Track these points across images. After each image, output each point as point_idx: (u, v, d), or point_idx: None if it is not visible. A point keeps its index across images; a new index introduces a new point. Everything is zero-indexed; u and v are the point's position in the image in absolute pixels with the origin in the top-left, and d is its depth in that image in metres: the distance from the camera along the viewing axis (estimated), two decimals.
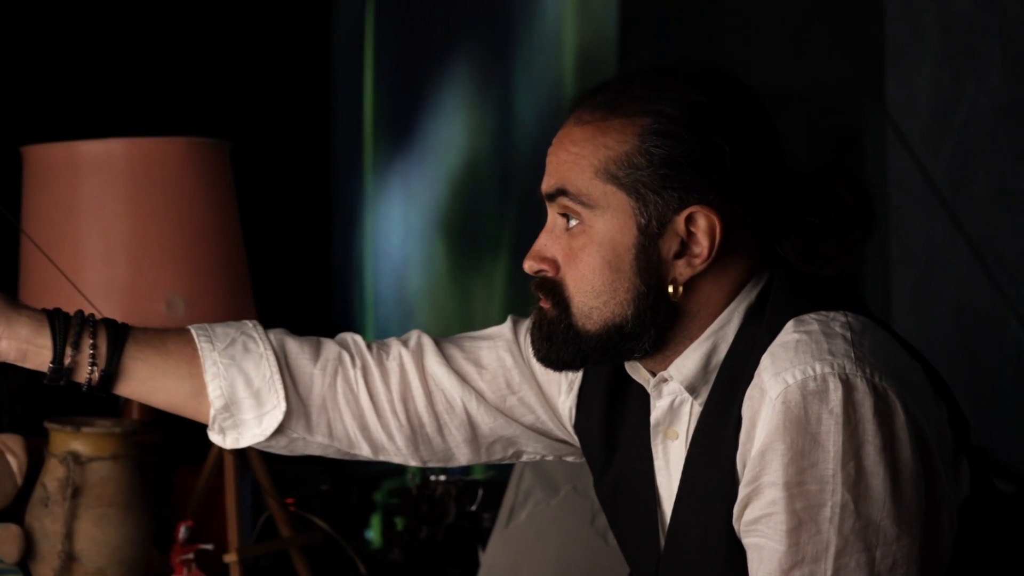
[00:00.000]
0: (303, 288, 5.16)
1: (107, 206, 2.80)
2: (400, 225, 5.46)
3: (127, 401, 2.96)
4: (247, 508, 2.87)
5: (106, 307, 2.69)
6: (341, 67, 5.65)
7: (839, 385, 1.65)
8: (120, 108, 4.38)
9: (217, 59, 4.79)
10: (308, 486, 3.08)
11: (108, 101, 4.38)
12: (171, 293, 2.80)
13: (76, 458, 2.56)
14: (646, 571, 1.89)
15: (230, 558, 2.69)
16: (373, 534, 3.52)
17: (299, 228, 5.17)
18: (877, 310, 1.84)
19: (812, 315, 1.72)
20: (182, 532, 2.65)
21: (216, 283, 2.85)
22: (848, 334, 1.69)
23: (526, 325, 2.00)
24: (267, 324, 2.94)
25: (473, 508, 3.06)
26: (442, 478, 3.10)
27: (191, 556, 2.66)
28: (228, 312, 2.86)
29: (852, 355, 1.67)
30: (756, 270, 1.79)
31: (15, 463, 2.62)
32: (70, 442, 2.58)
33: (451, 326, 4.87)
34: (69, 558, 2.55)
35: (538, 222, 1.85)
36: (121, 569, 2.58)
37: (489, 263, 4.83)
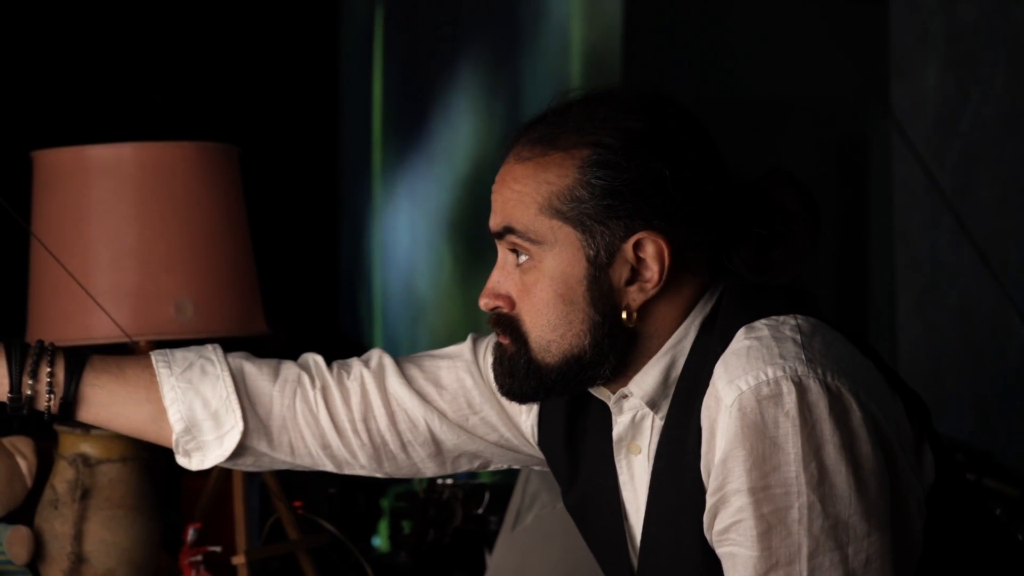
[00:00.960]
0: (310, 292, 5.17)
1: (116, 210, 2.81)
2: (409, 229, 5.47)
3: None
4: (255, 511, 2.87)
5: (115, 311, 2.71)
6: (349, 72, 5.66)
7: (792, 388, 1.67)
8: (129, 113, 4.39)
9: (226, 64, 4.80)
10: (316, 489, 3.09)
11: (118, 106, 4.40)
12: (180, 296, 2.81)
13: (85, 460, 2.57)
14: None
15: (238, 560, 2.70)
16: (380, 541, 3.53)
17: (306, 232, 5.18)
18: (883, 316, 1.85)
19: (762, 321, 1.74)
20: (191, 534, 2.67)
21: (225, 287, 2.86)
22: (798, 336, 1.71)
23: (485, 343, 2.01)
24: (276, 331, 2.95)
25: (480, 511, 3.07)
26: (449, 482, 3.11)
27: (200, 558, 2.67)
28: (237, 315, 2.87)
29: (803, 357, 1.69)
30: (708, 284, 1.81)
31: (25, 465, 2.63)
32: (79, 444, 2.59)
33: (459, 330, 4.88)
34: (78, 560, 2.56)
35: None
36: (130, 571, 2.59)
37: None
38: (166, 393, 1.96)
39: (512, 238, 1.80)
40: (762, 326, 1.73)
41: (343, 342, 5.04)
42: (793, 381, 1.67)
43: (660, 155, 1.76)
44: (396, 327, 5.38)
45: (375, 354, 2.03)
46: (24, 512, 2.64)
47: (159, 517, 2.65)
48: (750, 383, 1.68)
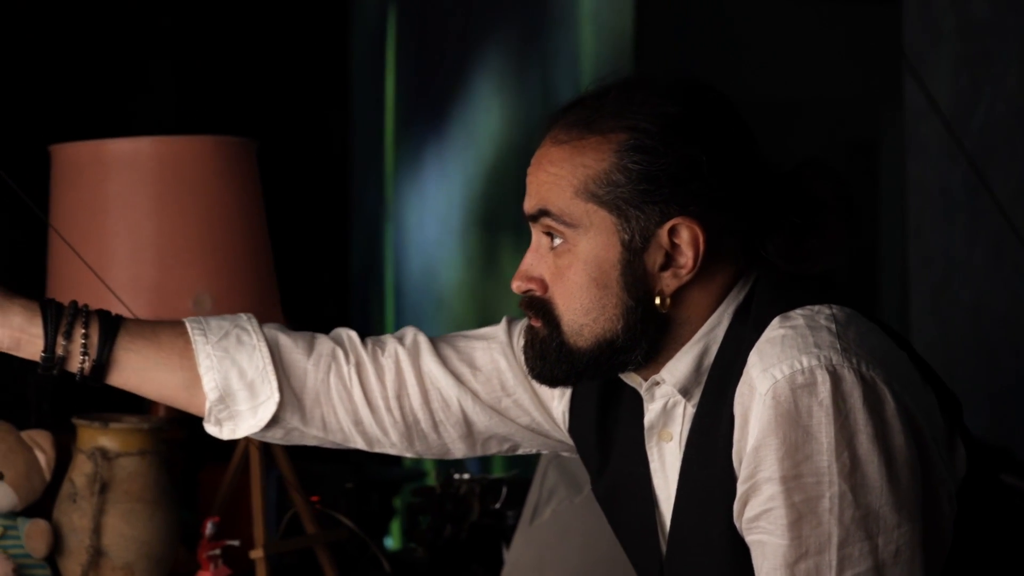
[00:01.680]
0: (321, 289, 5.17)
1: (134, 204, 2.81)
2: (426, 224, 5.45)
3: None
4: (273, 505, 2.87)
5: (134, 304, 2.71)
6: (359, 67, 5.65)
7: (827, 377, 1.67)
8: (147, 107, 4.40)
9: (241, 57, 4.80)
10: (333, 484, 3.08)
11: (136, 100, 4.40)
12: (198, 290, 2.82)
13: (104, 454, 2.57)
14: (650, 571, 1.90)
15: (256, 554, 2.69)
16: (392, 542, 3.53)
17: (317, 229, 5.18)
18: (896, 313, 1.86)
19: (797, 310, 1.74)
20: (209, 528, 2.66)
21: (242, 280, 2.87)
22: (833, 326, 1.71)
23: (520, 326, 2.01)
24: (291, 322, 2.95)
25: (497, 506, 3.07)
26: (466, 476, 3.11)
27: (218, 552, 2.67)
28: (254, 309, 2.86)
29: (838, 346, 1.68)
30: (742, 273, 1.81)
31: (43, 459, 2.63)
32: (98, 438, 2.59)
33: (480, 324, 4.87)
34: (97, 553, 2.56)
35: None
36: (148, 564, 2.59)
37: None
38: (201, 361, 1.95)
39: (547, 221, 1.80)
40: (797, 315, 1.73)
41: None
42: (828, 370, 1.67)
43: (697, 141, 1.76)
44: (414, 324, 5.37)
45: (409, 331, 2.03)
46: (42, 506, 2.64)
47: (177, 511, 2.65)
48: (784, 372, 1.68)
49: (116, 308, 2.68)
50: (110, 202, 2.82)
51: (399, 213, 5.58)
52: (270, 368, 1.96)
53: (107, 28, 4.44)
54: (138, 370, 1.95)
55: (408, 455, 2.04)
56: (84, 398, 2.62)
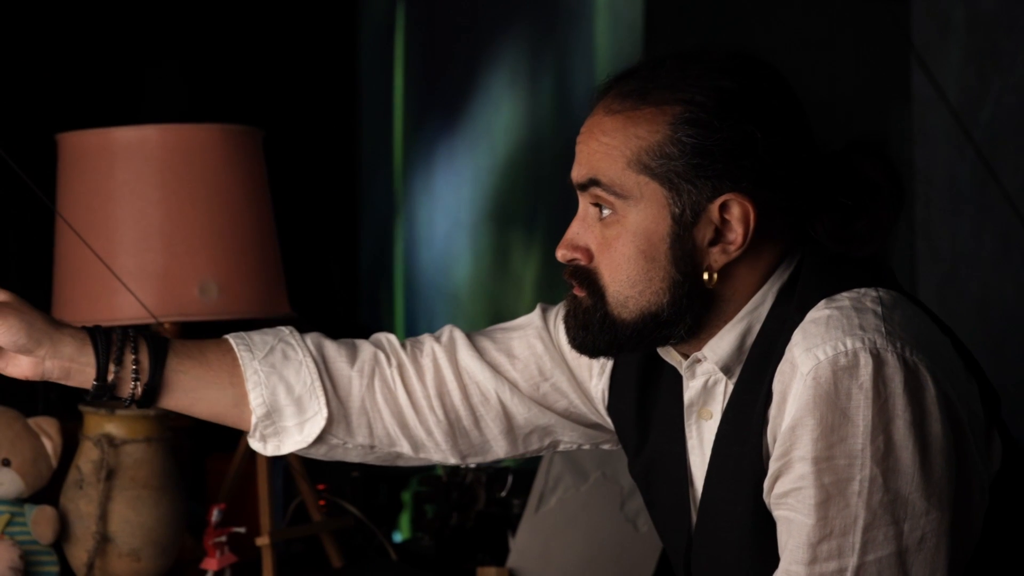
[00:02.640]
0: (331, 275, 5.16)
1: (141, 192, 2.82)
2: (441, 218, 5.44)
3: None
4: (279, 492, 2.88)
5: (140, 291, 2.71)
6: (368, 58, 5.64)
7: (870, 360, 1.66)
8: (154, 95, 4.40)
9: (248, 46, 4.80)
10: (339, 472, 3.08)
11: (142, 88, 4.41)
12: (204, 278, 2.82)
13: (110, 440, 2.58)
14: (678, 547, 1.91)
15: (262, 541, 2.70)
16: (400, 536, 3.53)
17: (325, 215, 5.18)
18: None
19: (844, 292, 1.73)
20: (215, 515, 2.67)
21: (249, 268, 2.87)
22: (879, 309, 1.70)
23: (555, 311, 2.01)
24: (298, 315, 2.95)
25: (503, 494, 3.07)
26: (471, 465, 3.11)
27: (224, 539, 2.68)
28: (261, 297, 2.88)
29: (883, 330, 1.67)
30: (788, 252, 1.80)
31: (50, 445, 2.64)
32: (104, 425, 2.59)
33: (497, 313, 4.85)
34: (103, 539, 2.57)
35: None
36: (155, 551, 2.59)
37: (539, 247, 4.80)
38: (249, 377, 1.95)
39: (597, 191, 1.79)
40: (843, 297, 1.72)
41: (363, 334, 5.03)
42: (871, 353, 1.66)
43: (752, 117, 1.75)
44: (424, 319, 5.36)
45: (446, 330, 2.04)
46: (49, 492, 2.65)
47: (183, 498, 2.65)
48: (828, 353, 1.67)
49: (122, 296, 2.70)
50: (117, 190, 2.82)
51: (409, 206, 5.57)
52: (317, 384, 1.96)
53: (115, 17, 4.44)
54: (189, 391, 1.95)
55: (452, 459, 2.04)
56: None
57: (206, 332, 2.96)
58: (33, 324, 1.87)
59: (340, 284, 5.30)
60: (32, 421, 2.65)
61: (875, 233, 1.79)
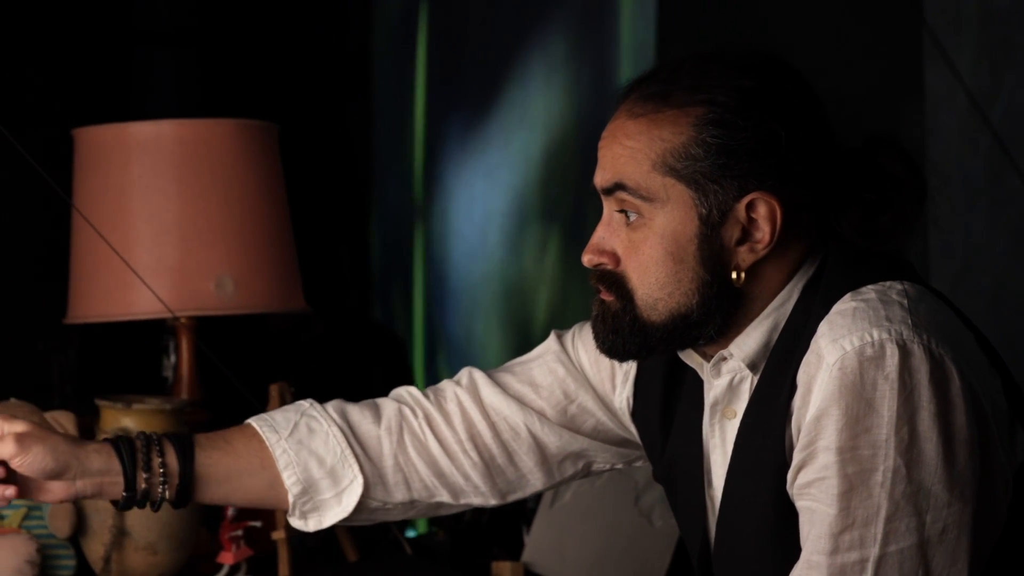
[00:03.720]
0: (342, 280, 5.17)
1: (157, 187, 2.83)
2: (471, 209, 5.42)
3: (176, 379, 2.98)
4: None
5: (156, 286, 2.72)
6: (382, 52, 5.63)
7: (896, 351, 1.66)
8: (170, 90, 4.41)
9: (264, 40, 4.81)
10: None
11: (158, 83, 4.41)
12: (220, 273, 2.83)
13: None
14: (695, 549, 1.91)
15: (278, 535, 2.70)
16: (415, 531, 3.54)
17: (338, 211, 5.18)
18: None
19: (869, 285, 1.74)
20: (231, 509, 2.67)
21: (264, 263, 2.88)
22: (905, 301, 1.71)
23: (571, 333, 2.04)
24: (313, 310, 2.95)
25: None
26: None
27: (239, 533, 2.68)
28: (276, 292, 2.89)
29: (909, 321, 1.68)
30: (814, 248, 1.81)
31: None
32: (120, 419, 2.60)
33: (523, 311, 4.84)
34: (120, 533, 2.57)
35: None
36: (171, 545, 2.60)
37: (573, 244, 4.79)
38: (279, 457, 1.97)
39: (622, 195, 1.80)
40: (869, 290, 1.73)
41: (376, 332, 5.04)
42: (898, 344, 1.66)
43: (774, 115, 1.76)
44: (448, 317, 5.34)
45: (465, 372, 2.07)
46: None
47: None
48: (855, 344, 1.67)
49: (139, 291, 2.71)
50: (133, 185, 2.83)
51: (430, 203, 5.56)
52: (348, 451, 1.98)
53: (131, 12, 4.45)
54: (223, 483, 1.97)
55: (493, 500, 2.06)
56: (107, 379, 2.64)
57: (222, 326, 2.98)
58: (57, 448, 1.89)
59: (352, 280, 5.31)
60: (49, 415, 2.65)
61: (899, 227, 1.80)
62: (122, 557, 2.58)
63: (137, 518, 2.57)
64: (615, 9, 4.79)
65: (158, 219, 2.82)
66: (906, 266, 1.79)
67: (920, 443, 1.66)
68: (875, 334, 1.68)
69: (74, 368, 3.16)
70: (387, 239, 5.68)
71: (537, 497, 2.97)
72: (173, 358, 2.95)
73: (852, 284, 1.74)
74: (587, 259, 1.84)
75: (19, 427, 1.89)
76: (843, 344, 1.68)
